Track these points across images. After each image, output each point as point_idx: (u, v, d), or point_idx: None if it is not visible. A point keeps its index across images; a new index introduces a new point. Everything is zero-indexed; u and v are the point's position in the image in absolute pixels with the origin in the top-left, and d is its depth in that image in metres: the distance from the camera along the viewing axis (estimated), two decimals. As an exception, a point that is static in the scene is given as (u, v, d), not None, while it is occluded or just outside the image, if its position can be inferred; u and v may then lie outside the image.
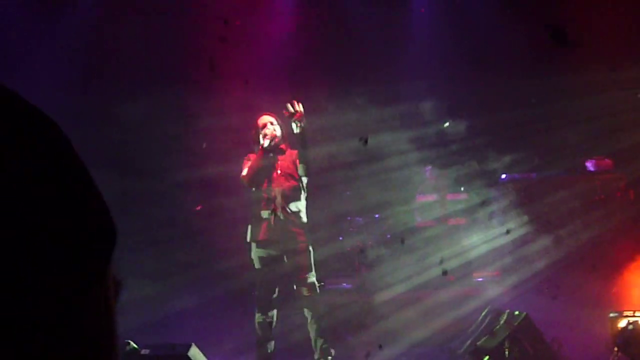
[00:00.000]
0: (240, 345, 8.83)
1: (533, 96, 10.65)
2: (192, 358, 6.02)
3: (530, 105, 10.60)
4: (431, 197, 10.85)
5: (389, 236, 10.59)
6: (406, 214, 10.64)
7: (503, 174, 10.63)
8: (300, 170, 7.14)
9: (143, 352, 6.02)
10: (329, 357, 7.13)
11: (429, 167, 10.87)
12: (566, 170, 10.66)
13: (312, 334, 7.19)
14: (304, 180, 7.18)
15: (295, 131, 6.98)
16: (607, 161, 10.53)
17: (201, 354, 6.11)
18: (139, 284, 9.08)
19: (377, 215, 10.58)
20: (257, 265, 7.13)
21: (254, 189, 7.16)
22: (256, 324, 7.13)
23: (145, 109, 9.74)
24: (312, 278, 7.16)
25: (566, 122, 10.79)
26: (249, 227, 7.19)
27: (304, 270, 7.12)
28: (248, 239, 7.19)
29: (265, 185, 7.10)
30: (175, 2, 10.96)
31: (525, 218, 10.15)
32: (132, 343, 5.97)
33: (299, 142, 7.03)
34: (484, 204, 10.40)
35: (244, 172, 7.12)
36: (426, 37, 11.80)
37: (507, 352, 6.87)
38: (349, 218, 10.45)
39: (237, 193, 8.61)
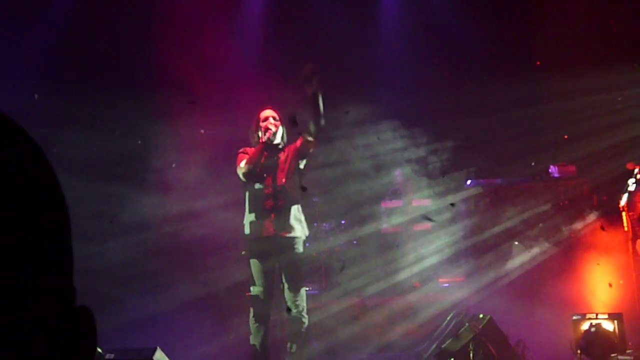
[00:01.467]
0: (208, 350, 8.83)
1: (497, 102, 10.75)
2: (157, 362, 6.00)
3: (494, 111, 10.69)
4: (398, 203, 10.90)
5: (355, 242, 10.62)
6: (372, 220, 10.68)
7: (468, 179, 10.71)
8: (301, 162, 7.10)
9: (108, 356, 5.98)
10: None
11: (398, 170, 10.91)
12: (530, 176, 10.76)
13: (289, 337, 7.17)
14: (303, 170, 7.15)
15: (309, 92, 6.77)
16: (571, 167, 10.65)
17: (166, 358, 6.08)
18: (107, 287, 9.03)
19: (343, 222, 10.61)
20: (254, 261, 7.05)
21: (251, 183, 7.05)
22: (250, 319, 7.05)
23: (122, 111, 9.71)
24: (302, 289, 7.11)
25: (530, 128, 10.92)
26: (247, 221, 7.07)
27: (296, 280, 7.07)
28: (247, 232, 7.06)
29: (265, 181, 7.00)
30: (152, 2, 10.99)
31: (490, 223, 10.23)
32: (97, 348, 5.93)
33: (313, 103, 6.82)
34: (449, 209, 10.46)
35: (242, 164, 6.98)
36: (395, 40, 11.89)
37: (471, 355, 6.93)
38: (315, 224, 10.48)
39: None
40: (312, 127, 6.96)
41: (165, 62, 10.63)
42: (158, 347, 6.06)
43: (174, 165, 9.96)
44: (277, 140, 7.10)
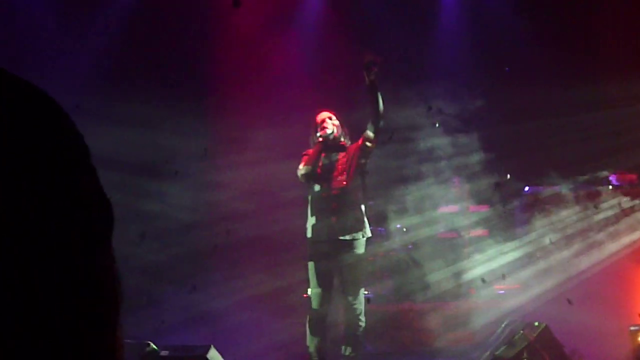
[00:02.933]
0: (260, 349, 8.89)
1: (558, 107, 10.62)
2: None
3: (554, 117, 10.56)
4: (454, 208, 10.83)
5: (410, 246, 10.58)
6: (428, 225, 10.63)
7: (526, 186, 10.60)
8: (364, 161, 7.10)
9: (162, 353, 6.06)
10: None
11: (456, 177, 10.86)
12: (590, 183, 10.60)
13: (345, 340, 7.17)
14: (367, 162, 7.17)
15: (367, 80, 6.81)
16: (632, 175, 10.47)
17: (219, 356, 6.14)
18: (160, 284, 9.15)
19: (398, 226, 10.58)
20: (313, 263, 7.07)
21: (312, 184, 7.08)
22: (308, 321, 7.07)
23: (165, 111, 9.83)
24: (360, 292, 7.12)
25: (590, 135, 10.76)
26: (309, 221, 7.10)
27: (355, 282, 7.07)
28: (309, 235, 7.10)
29: (326, 182, 7.01)
30: (202, 10, 11.09)
31: (548, 230, 10.12)
32: (151, 344, 6.02)
33: (371, 95, 6.85)
34: (506, 215, 10.37)
35: (301, 166, 7.04)
36: (451, 43, 11.84)
37: (525, 363, 6.85)
38: (371, 228, 10.47)
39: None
40: (371, 124, 6.99)
41: (220, 59, 10.75)
42: (212, 345, 6.13)
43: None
44: (336, 139, 7.11)
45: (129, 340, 6.05)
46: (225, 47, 10.89)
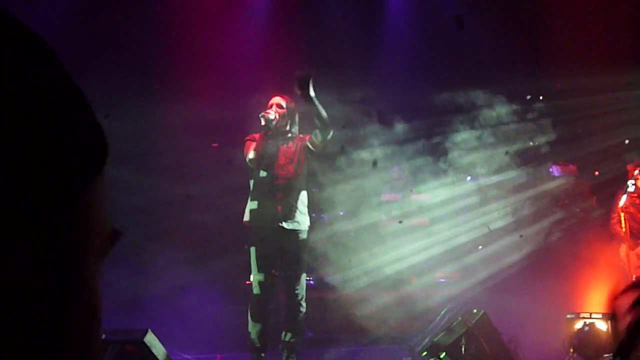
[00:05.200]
0: (201, 335, 8.84)
1: (505, 98, 10.71)
2: (147, 344, 6.00)
3: (500, 106, 10.65)
4: (396, 197, 10.88)
5: (352, 234, 10.60)
6: (371, 212, 10.65)
7: (468, 175, 10.69)
8: (305, 160, 7.07)
9: (99, 336, 5.97)
10: (293, 354, 7.08)
11: (397, 166, 10.89)
12: (531, 174, 10.73)
13: (285, 325, 7.14)
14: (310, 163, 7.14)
15: (303, 96, 6.79)
16: (572, 167, 10.63)
17: (157, 340, 6.08)
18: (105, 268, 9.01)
19: (341, 213, 10.59)
20: (254, 248, 7.02)
21: (258, 171, 7.01)
22: (250, 307, 7.01)
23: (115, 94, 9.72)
24: (302, 278, 7.10)
25: (533, 127, 10.88)
26: (251, 207, 7.06)
27: (298, 268, 7.04)
28: (247, 219, 7.06)
29: (271, 169, 6.97)
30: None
31: (488, 219, 10.23)
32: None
33: (310, 105, 6.84)
34: (447, 204, 10.46)
35: (251, 151, 6.96)
36: (400, 34, 11.88)
37: (463, 349, 6.92)
38: (314, 215, 10.46)
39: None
40: (318, 132, 6.98)
41: (171, 46, 10.64)
42: (149, 330, 6.06)
43: (214, 145, 9.82)
44: (279, 127, 7.05)
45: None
46: (176, 30, 10.78)
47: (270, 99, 7.22)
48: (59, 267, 0.82)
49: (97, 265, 0.89)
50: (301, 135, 7.18)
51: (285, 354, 6.99)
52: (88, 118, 0.88)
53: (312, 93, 6.69)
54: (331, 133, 7.02)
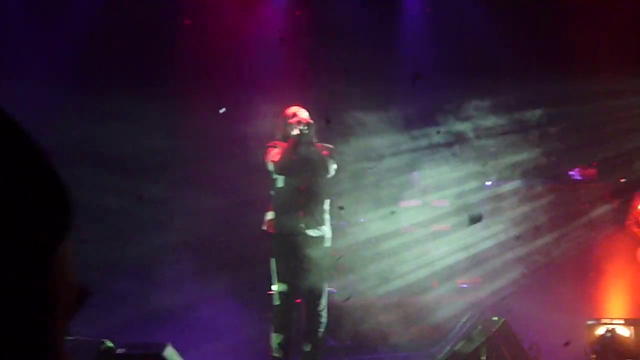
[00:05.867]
0: (221, 347, 8.87)
1: (521, 103, 10.67)
2: (167, 358, 6.03)
3: (517, 112, 10.61)
4: (416, 203, 10.87)
5: (373, 241, 10.60)
6: (391, 219, 10.64)
7: (489, 180, 10.66)
8: (330, 168, 7.10)
9: (119, 351, 6.03)
10: None
11: (417, 171, 10.89)
12: (551, 178, 10.69)
13: (306, 336, 7.15)
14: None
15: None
16: (592, 170, 10.57)
17: (177, 354, 6.11)
18: (123, 281, 9.09)
19: (362, 219, 10.59)
20: (278, 258, 7.04)
21: (277, 179, 7.04)
22: (273, 318, 7.03)
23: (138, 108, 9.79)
24: (324, 287, 7.11)
25: (553, 130, 10.83)
26: (274, 216, 7.07)
27: (320, 278, 7.05)
28: (269, 228, 7.09)
29: (294, 178, 7.00)
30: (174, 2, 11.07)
31: (510, 224, 10.19)
32: (107, 342, 5.97)
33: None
34: (468, 210, 10.43)
35: (276, 157, 6.96)
36: (419, 39, 11.86)
37: (484, 358, 6.89)
38: (332, 222, 10.46)
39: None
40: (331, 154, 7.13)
41: (193, 58, 10.72)
42: (169, 344, 6.10)
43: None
44: (311, 134, 7.09)
45: (83, 338, 6.01)
46: (189, 45, 10.84)
47: (286, 109, 7.24)
48: (28, 329, 0.88)
49: (65, 325, 0.94)
50: (322, 144, 7.20)
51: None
52: (52, 187, 0.91)
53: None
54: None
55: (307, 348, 7.08)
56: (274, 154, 7.02)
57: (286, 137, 7.10)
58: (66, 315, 0.94)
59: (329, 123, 7.34)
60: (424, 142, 10.70)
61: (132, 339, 6.83)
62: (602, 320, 7.64)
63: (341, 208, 7.26)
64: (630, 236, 8.87)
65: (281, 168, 6.95)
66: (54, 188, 0.92)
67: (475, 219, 6.96)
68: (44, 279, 0.89)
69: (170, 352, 6.04)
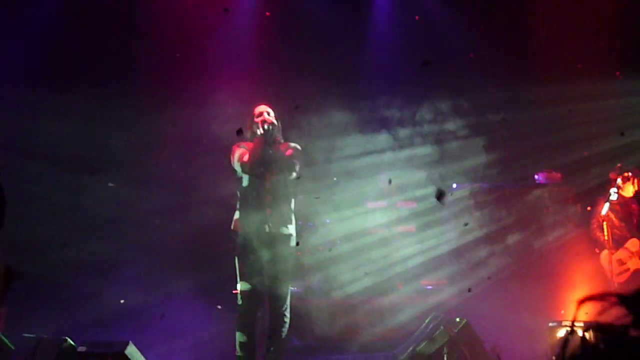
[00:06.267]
0: (184, 346, 8.84)
1: (487, 106, 10.76)
2: (129, 356, 6.01)
3: (482, 115, 10.70)
4: (382, 204, 10.91)
5: (339, 241, 10.62)
6: (357, 220, 10.68)
7: (454, 183, 10.73)
8: (295, 168, 7.10)
9: (80, 349, 5.99)
10: None
11: (383, 173, 10.93)
12: (516, 181, 10.79)
13: (269, 335, 7.13)
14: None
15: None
16: (557, 174, 10.68)
17: (138, 352, 6.09)
18: (88, 280, 9.03)
19: (327, 220, 10.61)
20: (243, 257, 7.02)
21: (248, 178, 7.01)
22: (237, 317, 7.00)
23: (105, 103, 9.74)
24: (287, 287, 7.12)
25: (517, 134, 10.93)
26: (239, 215, 7.04)
27: (284, 277, 7.05)
28: (237, 228, 7.05)
29: (260, 177, 6.97)
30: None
31: (474, 226, 10.26)
32: (69, 340, 5.93)
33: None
34: (433, 211, 10.49)
35: (245, 157, 6.95)
36: (386, 40, 11.88)
37: (445, 358, 6.94)
38: (300, 222, 10.48)
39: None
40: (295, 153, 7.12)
41: (156, 58, 10.65)
42: (130, 342, 6.07)
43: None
44: (275, 134, 7.09)
45: (46, 336, 5.97)
46: (158, 41, 10.78)
47: (255, 107, 7.25)
48: None
49: None
50: (287, 143, 7.21)
51: (272, 364, 6.99)
52: None
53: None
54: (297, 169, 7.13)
55: (271, 348, 7.06)
56: (240, 154, 7.01)
57: (253, 137, 7.10)
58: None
59: (297, 109, 7.31)
60: (389, 144, 10.75)
61: (91, 337, 6.79)
62: (563, 322, 7.71)
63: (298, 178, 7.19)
64: (593, 240, 8.98)
65: (247, 168, 6.94)
66: None
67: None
68: None
69: (131, 350, 6.02)
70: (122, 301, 9.16)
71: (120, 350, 5.94)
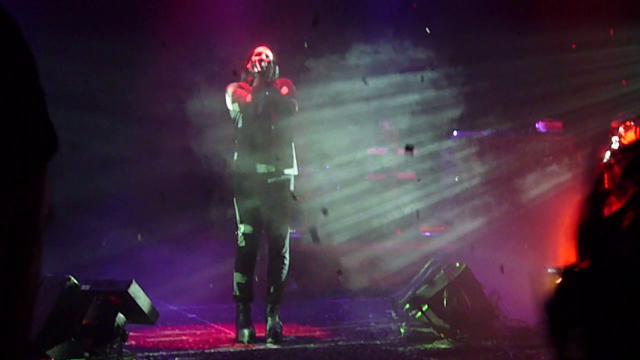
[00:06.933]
0: (185, 285, 8.91)
1: (488, 54, 10.68)
2: (132, 295, 6.02)
3: (484, 62, 10.63)
4: (383, 151, 10.91)
5: (339, 187, 10.65)
6: (357, 166, 10.69)
7: (455, 129, 10.72)
8: (293, 107, 7.02)
9: (83, 287, 5.99)
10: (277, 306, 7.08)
11: (385, 120, 10.91)
12: (517, 129, 10.78)
13: (270, 278, 7.14)
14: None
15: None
16: (558, 123, 10.67)
17: (141, 291, 6.10)
18: (88, 219, 9.05)
19: (327, 166, 10.62)
20: (241, 198, 6.98)
21: (243, 118, 6.91)
22: (236, 258, 7.01)
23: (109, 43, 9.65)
24: (286, 229, 7.10)
25: (519, 81, 10.88)
26: (237, 156, 6.99)
27: (284, 219, 7.05)
28: (235, 170, 7.00)
29: (259, 117, 6.87)
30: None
31: (474, 173, 10.27)
32: (72, 278, 5.94)
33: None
34: (434, 158, 10.50)
35: (247, 97, 6.84)
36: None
37: (445, 302, 6.97)
38: (300, 168, 10.46)
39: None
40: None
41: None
42: (133, 280, 6.08)
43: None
44: (271, 74, 7.00)
45: (49, 274, 5.98)
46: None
47: (253, 49, 7.15)
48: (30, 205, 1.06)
49: (43, 230, 1.10)
50: (281, 79, 7.09)
51: (270, 306, 7.01)
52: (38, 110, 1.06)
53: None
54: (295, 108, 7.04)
55: (271, 289, 7.08)
56: (238, 95, 6.91)
57: (247, 76, 7.01)
58: (45, 223, 1.13)
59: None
60: (391, 89, 10.69)
61: (94, 276, 6.81)
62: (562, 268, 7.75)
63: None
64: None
65: (244, 109, 6.87)
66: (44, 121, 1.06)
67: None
68: (43, 179, 1.06)
69: (135, 289, 6.04)
70: (103, 243, 9.21)
71: (123, 288, 5.95)
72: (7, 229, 1.07)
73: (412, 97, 10.64)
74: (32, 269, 1.21)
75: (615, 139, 8.64)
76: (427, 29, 10.08)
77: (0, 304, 1.15)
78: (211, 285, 8.99)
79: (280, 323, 6.94)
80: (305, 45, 9.53)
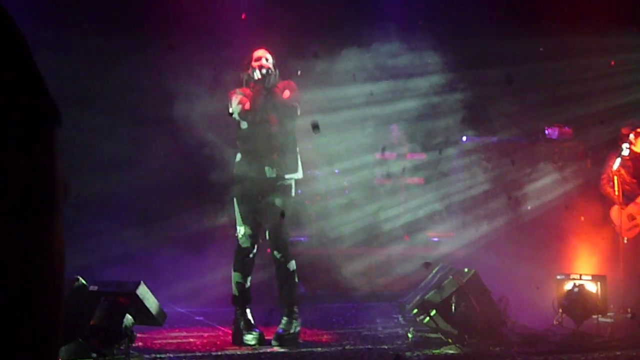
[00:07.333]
0: (190, 286, 8.91)
1: (498, 59, 10.65)
2: (140, 296, 6.02)
3: (494, 68, 10.60)
4: (391, 155, 10.89)
5: (347, 191, 10.63)
6: (365, 170, 10.68)
7: (464, 135, 10.69)
8: (295, 112, 6.99)
9: (91, 288, 6.00)
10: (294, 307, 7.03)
11: (394, 125, 10.90)
12: (526, 135, 10.76)
13: (277, 283, 7.11)
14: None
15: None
16: (568, 129, 10.63)
17: (149, 292, 6.10)
18: (96, 220, 9.04)
19: (336, 170, 10.60)
20: (241, 200, 6.96)
21: (249, 123, 6.89)
22: (235, 260, 7.00)
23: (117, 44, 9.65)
24: (286, 233, 7.04)
25: (529, 87, 10.85)
26: (240, 159, 6.98)
27: (281, 223, 6.99)
28: (237, 172, 6.98)
29: (261, 122, 6.86)
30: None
31: (483, 179, 10.25)
32: (80, 279, 5.94)
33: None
34: (442, 163, 10.48)
35: (246, 105, 6.85)
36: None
37: (453, 307, 6.95)
38: (308, 172, 10.45)
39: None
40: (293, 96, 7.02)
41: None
42: (142, 282, 6.08)
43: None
44: (273, 77, 6.99)
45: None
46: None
47: (253, 52, 7.13)
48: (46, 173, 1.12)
49: (63, 199, 1.13)
50: (283, 83, 7.07)
51: (286, 310, 6.96)
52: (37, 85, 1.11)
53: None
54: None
55: (283, 292, 7.05)
56: (238, 101, 6.90)
57: (249, 81, 7.00)
58: (62, 189, 1.17)
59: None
60: (398, 94, 10.68)
61: (102, 277, 6.82)
62: (571, 275, 7.73)
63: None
64: (604, 195, 8.97)
65: (244, 114, 6.87)
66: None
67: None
68: (50, 145, 1.09)
69: (143, 290, 6.03)
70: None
71: (131, 289, 5.95)
72: (20, 189, 1.10)
73: (421, 102, 10.62)
74: (56, 228, 1.24)
75: (625, 145, 8.61)
76: (419, 21, 10.01)
77: (25, 265, 1.19)
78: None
79: (295, 326, 6.90)
80: (315, 50, 9.49)
